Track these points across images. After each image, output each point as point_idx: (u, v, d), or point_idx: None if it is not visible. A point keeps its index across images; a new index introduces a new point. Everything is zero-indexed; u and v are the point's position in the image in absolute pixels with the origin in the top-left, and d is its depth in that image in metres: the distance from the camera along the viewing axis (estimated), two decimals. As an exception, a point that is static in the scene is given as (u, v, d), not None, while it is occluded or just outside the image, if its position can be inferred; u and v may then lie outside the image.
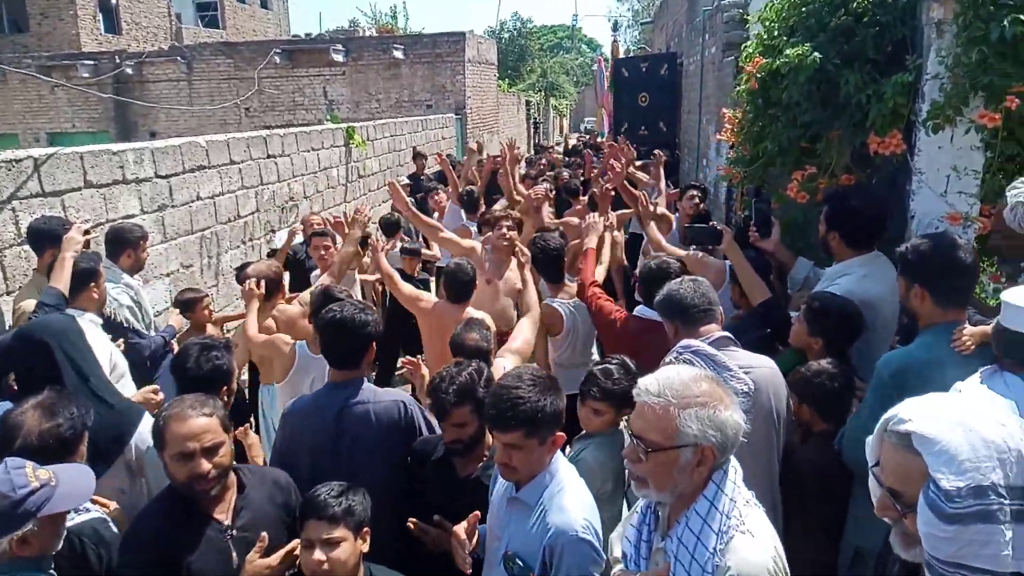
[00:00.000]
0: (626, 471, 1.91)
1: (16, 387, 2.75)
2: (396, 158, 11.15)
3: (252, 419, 3.72)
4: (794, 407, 2.58)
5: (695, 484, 1.57)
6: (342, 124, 9.20)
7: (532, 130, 28.78)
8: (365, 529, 2.07)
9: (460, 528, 2.11)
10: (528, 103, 28.31)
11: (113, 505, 2.41)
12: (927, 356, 2.25)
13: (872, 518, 1.42)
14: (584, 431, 2.67)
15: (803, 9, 3.28)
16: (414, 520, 2.36)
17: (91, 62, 17.12)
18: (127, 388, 3.21)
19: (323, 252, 4.70)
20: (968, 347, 2.21)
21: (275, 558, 2.05)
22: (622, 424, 2.56)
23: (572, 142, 21.86)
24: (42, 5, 21.90)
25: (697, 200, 5.26)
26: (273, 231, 6.79)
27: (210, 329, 4.33)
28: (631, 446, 1.61)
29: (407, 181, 9.30)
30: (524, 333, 3.49)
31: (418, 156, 10.68)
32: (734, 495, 1.58)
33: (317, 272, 4.72)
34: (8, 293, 3.84)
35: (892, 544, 1.30)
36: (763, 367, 2.45)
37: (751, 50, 3.65)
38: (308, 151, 7.82)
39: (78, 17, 21.82)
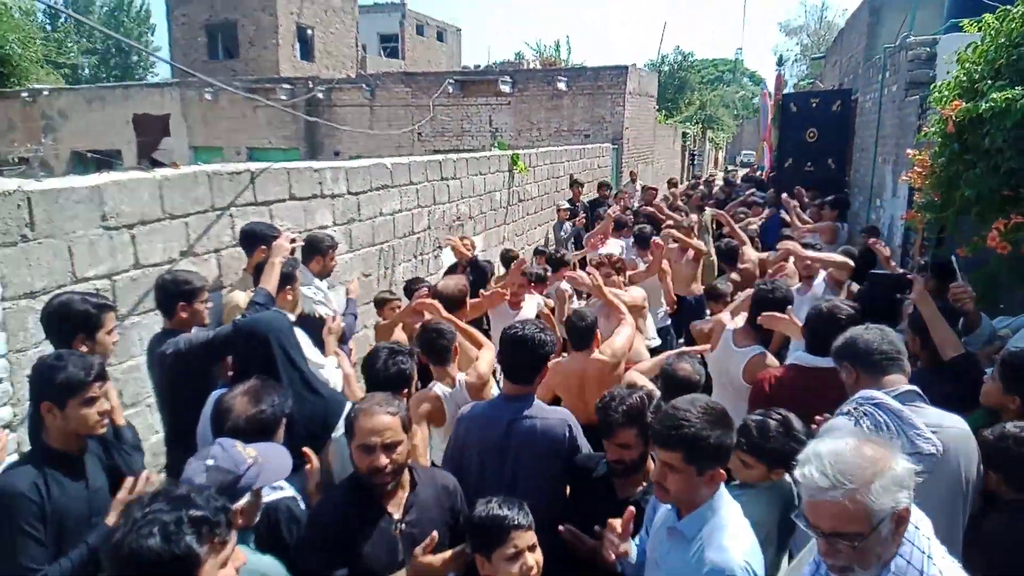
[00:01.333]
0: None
1: (233, 374, 3.16)
2: (554, 184, 11.44)
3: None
4: (983, 472, 2.40)
5: (896, 547, 1.53)
6: (508, 151, 9.61)
7: (688, 161, 28.32)
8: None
9: (616, 521, 2.15)
10: (684, 135, 27.93)
11: (316, 461, 2.68)
12: None
13: None
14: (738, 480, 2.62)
15: (1013, 51, 3.09)
16: (569, 526, 2.41)
17: (288, 86, 19.03)
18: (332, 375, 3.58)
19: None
20: None
21: (440, 558, 2.16)
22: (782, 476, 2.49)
23: (720, 176, 21.28)
24: (251, 34, 24.73)
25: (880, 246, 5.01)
26: (440, 247, 7.21)
27: (397, 332, 4.74)
28: (824, 544, 1.54)
29: (567, 206, 9.53)
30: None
31: (575, 184, 10.91)
32: (928, 549, 1.53)
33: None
34: (222, 288, 4.38)
35: None
36: (954, 427, 2.30)
37: (947, 92, 3.47)
38: (476, 175, 8.25)
39: (279, 45, 24.38)
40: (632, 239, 6.85)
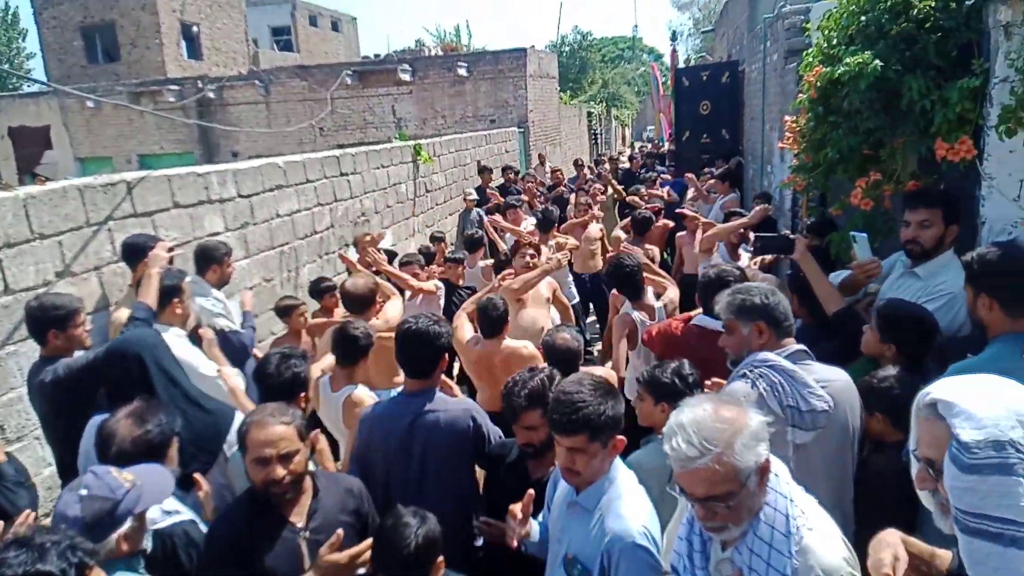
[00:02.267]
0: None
1: (109, 398, 3.01)
2: (461, 172, 11.39)
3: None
4: (865, 418, 2.52)
5: (762, 496, 1.60)
6: (410, 141, 9.49)
7: (593, 141, 28.76)
8: (436, 558, 2.11)
9: (516, 506, 2.18)
10: (590, 114, 28.31)
11: (206, 486, 2.60)
12: (995, 367, 2.16)
13: (936, 531, 1.43)
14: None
15: (863, 17, 3.26)
16: (485, 519, 2.45)
17: (176, 87, 18.15)
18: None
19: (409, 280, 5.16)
20: None
21: (346, 555, 2.14)
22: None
23: (627, 153, 21.78)
24: (131, 35, 23.39)
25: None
26: (346, 245, 7.06)
27: (304, 337, 4.63)
28: (699, 508, 1.59)
29: (474, 195, 9.51)
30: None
31: (484, 170, 10.90)
32: (789, 494, 1.61)
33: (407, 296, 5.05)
34: (108, 307, 4.15)
35: (935, 518, 1.36)
36: (838, 380, 2.42)
37: (810, 59, 3.64)
38: (378, 168, 8.11)
39: (163, 45, 23.18)
40: (536, 224, 6.90)
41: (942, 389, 1.31)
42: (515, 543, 2.17)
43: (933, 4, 3.01)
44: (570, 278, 6.50)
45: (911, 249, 2.96)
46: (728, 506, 1.55)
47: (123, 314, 3.80)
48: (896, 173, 3.28)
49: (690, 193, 8.94)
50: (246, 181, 5.51)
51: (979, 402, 1.25)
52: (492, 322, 3.84)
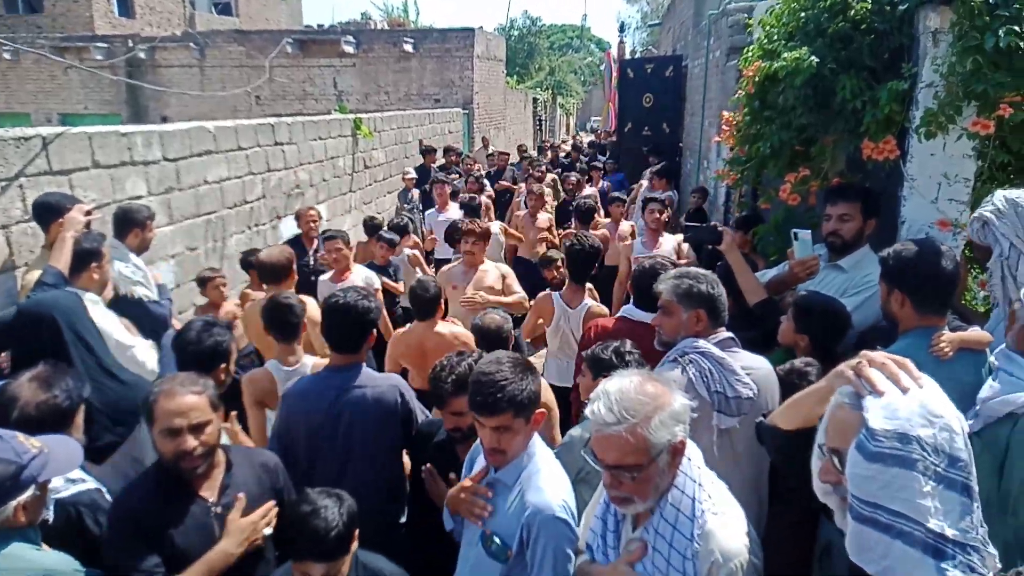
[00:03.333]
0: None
1: (10, 366, 2.83)
2: (403, 150, 11.22)
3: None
4: None
5: (671, 477, 1.62)
6: (350, 114, 9.27)
7: (537, 127, 28.80)
8: (354, 534, 2.08)
9: (467, 482, 2.14)
10: (535, 100, 28.33)
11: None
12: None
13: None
14: None
15: (802, 15, 3.33)
16: (430, 467, 2.45)
17: (104, 45, 17.24)
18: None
19: (336, 255, 4.81)
20: (946, 353, 2.23)
21: (256, 515, 2.12)
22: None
23: (571, 142, 21.89)
24: (57, -14, 22.03)
25: (657, 215, 5.30)
26: (279, 217, 6.86)
27: (225, 307, 4.45)
28: (608, 476, 1.61)
29: (413, 174, 9.37)
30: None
31: (427, 151, 10.75)
32: (699, 478, 1.63)
33: (328, 275, 4.83)
34: (15, 268, 3.91)
35: (835, 513, 1.38)
36: (761, 368, 2.48)
37: (750, 54, 3.70)
38: (315, 140, 7.89)
39: (92, 1, 21.92)
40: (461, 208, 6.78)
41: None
42: (481, 523, 2.10)
43: (869, 7, 3.10)
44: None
45: (832, 242, 3.06)
46: (633, 477, 1.56)
47: (34, 276, 3.57)
48: (824, 170, 3.38)
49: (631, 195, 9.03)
50: (172, 144, 5.26)
51: (899, 396, 1.28)
52: (424, 303, 3.77)
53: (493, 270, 4.71)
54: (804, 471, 1.44)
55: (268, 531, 2.16)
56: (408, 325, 3.96)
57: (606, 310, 4.14)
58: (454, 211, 6.92)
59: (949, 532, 1.20)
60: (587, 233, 4.51)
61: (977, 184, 2.97)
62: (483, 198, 7.64)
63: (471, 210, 6.41)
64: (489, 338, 3.14)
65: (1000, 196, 2.41)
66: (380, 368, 3.84)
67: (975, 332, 2.35)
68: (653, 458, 1.56)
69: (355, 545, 2.08)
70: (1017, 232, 2.34)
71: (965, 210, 2.99)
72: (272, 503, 2.16)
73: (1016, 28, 2.65)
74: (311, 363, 3.24)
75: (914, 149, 3.03)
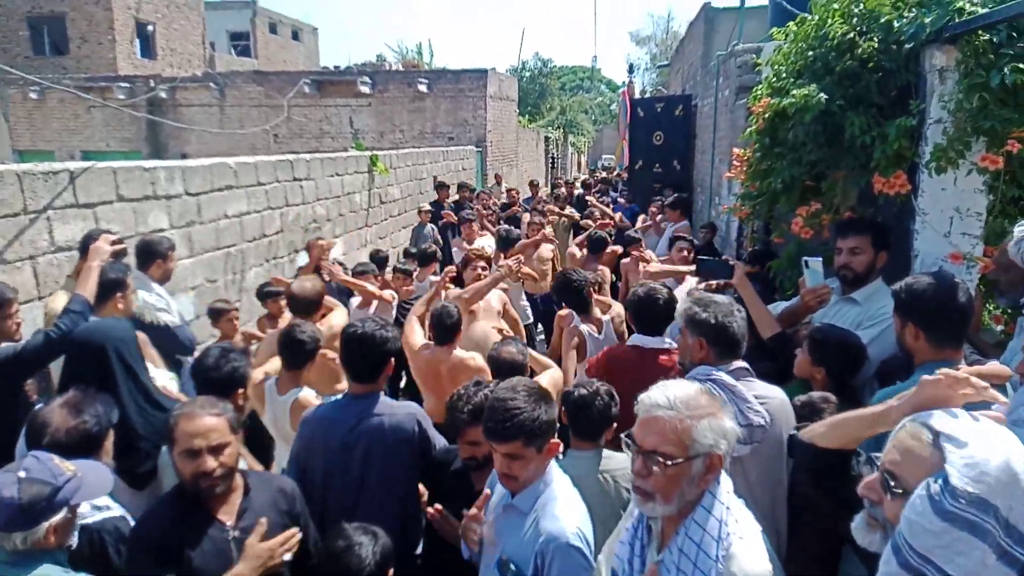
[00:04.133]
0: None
1: (61, 387, 2.89)
2: (418, 186, 11.39)
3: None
4: None
5: (699, 493, 1.62)
6: (366, 151, 9.45)
7: (549, 165, 29.14)
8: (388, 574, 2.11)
9: (473, 510, 2.16)
10: (547, 139, 28.71)
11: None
12: None
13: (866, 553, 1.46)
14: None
15: (810, 53, 3.41)
16: (439, 507, 2.43)
17: (127, 84, 17.71)
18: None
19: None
20: None
21: (276, 542, 2.12)
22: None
23: (581, 179, 22.11)
24: (82, 29, 22.73)
25: (685, 253, 5.39)
26: (296, 251, 6.97)
27: (237, 339, 4.52)
28: (641, 461, 1.63)
29: (428, 208, 9.50)
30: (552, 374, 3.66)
31: (441, 186, 10.91)
32: (728, 502, 1.63)
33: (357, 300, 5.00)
34: (40, 298, 4.00)
35: (855, 528, 1.35)
36: (776, 398, 2.49)
37: (759, 92, 3.78)
38: (332, 176, 8.04)
39: (116, 42, 22.60)
40: (495, 240, 6.91)
41: (953, 424, 1.26)
42: (477, 546, 2.14)
43: (876, 45, 3.17)
44: (524, 298, 6.53)
45: (844, 275, 3.08)
46: (665, 468, 1.57)
47: (58, 304, 3.66)
48: (836, 204, 3.43)
49: (640, 221, 9.13)
50: (194, 179, 5.40)
51: (989, 454, 1.18)
52: (445, 329, 3.82)
53: (494, 295, 4.86)
54: (830, 494, 1.42)
55: (288, 557, 2.16)
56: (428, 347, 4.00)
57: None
58: (486, 240, 7.06)
59: None
60: (576, 269, 4.61)
61: (989, 218, 3.00)
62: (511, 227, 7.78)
63: (507, 242, 6.52)
64: (503, 370, 3.15)
65: None
66: (395, 395, 3.87)
67: (993, 366, 2.34)
68: (689, 457, 1.58)
69: None
70: None
71: (978, 243, 3.01)
72: (296, 530, 2.16)
73: (1021, 66, 2.71)
74: (301, 396, 3.26)
75: (925, 184, 3.06)
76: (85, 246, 3.76)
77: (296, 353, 3.28)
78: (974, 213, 3.02)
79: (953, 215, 3.06)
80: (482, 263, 4.99)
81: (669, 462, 1.58)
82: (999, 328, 3.45)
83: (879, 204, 3.33)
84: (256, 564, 2.10)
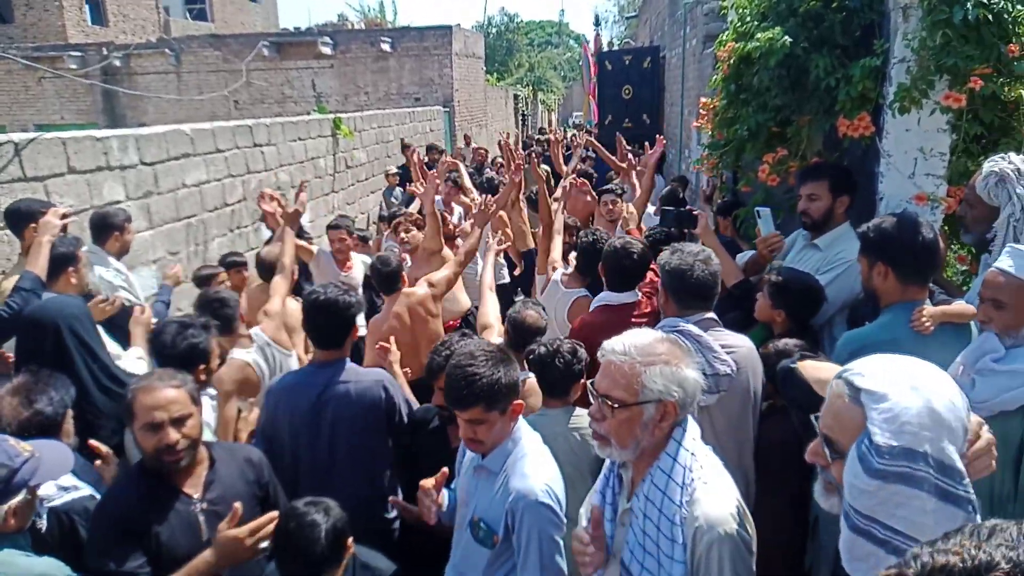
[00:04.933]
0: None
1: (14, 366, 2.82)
2: (384, 149, 11.17)
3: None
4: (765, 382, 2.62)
5: (656, 441, 1.62)
6: (330, 115, 9.22)
7: (520, 123, 28.82)
8: (346, 543, 2.06)
9: (428, 481, 2.15)
10: (516, 97, 28.33)
11: (105, 449, 2.46)
12: (886, 336, 2.23)
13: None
14: None
15: (774, -5, 3.35)
16: (395, 499, 2.44)
17: (78, 53, 17.03)
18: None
19: (338, 244, 4.99)
20: (927, 328, 2.23)
21: (246, 529, 2.04)
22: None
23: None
24: (27, -4, 21.74)
25: (611, 206, 5.27)
26: (260, 220, 6.81)
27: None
28: (596, 405, 1.65)
29: (395, 170, 9.34)
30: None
31: (407, 148, 10.70)
32: (694, 449, 1.63)
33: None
34: (-10, 276, 3.85)
35: (816, 494, 1.33)
36: (743, 347, 2.50)
37: (724, 37, 3.72)
38: (295, 141, 7.84)
39: (63, 8, 21.64)
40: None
41: (870, 374, 1.22)
42: (432, 519, 2.14)
43: (839, -16, 3.11)
44: (502, 257, 6.43)
45: (804, 221, 3.11)
46: (613, 409, 1.59)
47: (10, 284, 3.54)
48: (802, 150, 3.40)
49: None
50: (149, 148, 5.21)
51: (905, 402, 1.15)
52: (386, 277, 3.78)
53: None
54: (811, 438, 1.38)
55: (264, 545, 2.07)
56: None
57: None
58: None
59: None
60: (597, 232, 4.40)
61: (952, 158, 2.99)
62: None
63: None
64: (525, 335, 2.98)
65: (1018, 157, 2.40)
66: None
67: (958, 305, 2.35)
68: (639, 403, 1.58)
69: (349, 551, 2.05)
70: None
71: (942, 183, 3.01)
72: (273, 514, 2.08)
73: (984, 1, 2.67)
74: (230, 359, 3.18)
75: (889, 125, 3.04)
76: (12, 221, 3.61)
77: (222, 317, 3.17)
78: (938, 153, 3.01)
79: (917, 156, 3.05)
80: (405, 226, 4.87)
81: (616, 405, 1.59)
82: (963, 268, 3.48)
83: (844, 148, 3.30)
84: (225, 551, 2.01)
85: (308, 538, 1.94)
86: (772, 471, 2.53)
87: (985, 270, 2.53)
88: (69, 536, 2.13)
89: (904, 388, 1.17)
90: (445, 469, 2.20)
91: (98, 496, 2.29)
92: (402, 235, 4.79)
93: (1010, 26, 2.74)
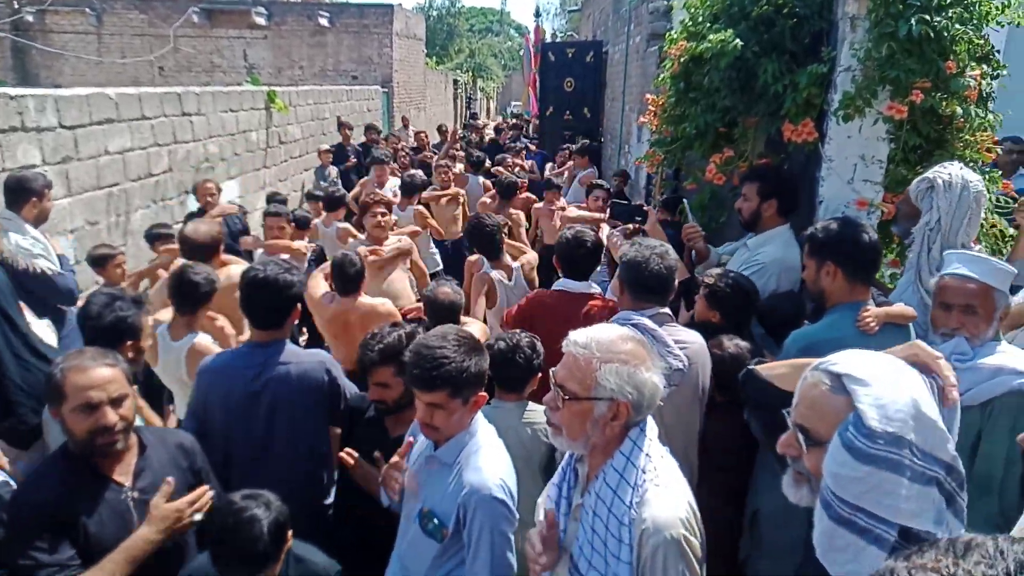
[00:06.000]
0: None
1: None
2: (320, 126, 10.86)
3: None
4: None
5: (608, 438, 1.60)
6: (263, 87, 8.87)
7: (464, 108, 28.57)
8: (286, 537, 2.00)
9: (395, 458, 2.08)
10: (456, 82, 28.06)
11: (5, 461, 2.29)
12: (833, 335, 2.28)
13: (770, 484, 1.47)
14: None
15: (726, -2, 3.39)
16: (349, 451, 2.34)
17: (-15, 5, 15.81)
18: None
19: (277, 233, 4.89)
20: (872, 328, 2.31)
21: (184, 502, 1.98)
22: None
23: (492, 125, 21.82)
24: (-72, -61, 20.02)
25: (601, 203, 5.47)
26: (187, 192, 6.49)
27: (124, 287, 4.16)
28: (552, 392, 1.64)
29: (327, 147, 9.08)
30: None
31: (343, 126, 10.44)
32: (649, 450, 1.62)
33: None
34: None
35: (784, 486, 1.35)
36: (695, 343, 2.53)
37: (675, 35, 3.75)
38: (226, 112, 7.51)
39: (-30, -45, 20.06)
40: (399, 186, 6.65)
41: (853, 364, 1.25)
42: (397, 496, 2.07)
43: (791, -9, 3.18)
44: (432, 246, 6.37)
45: (739, 220, 3.25)
46: (565, 400, 1.59)
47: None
48: (747, 151, 3.47)
49: (548, 169, 9.10)
50: (69, 110, 4.88)
51: (892, 392, 1.19)
52: (349, 279, 3.69)
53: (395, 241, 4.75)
54: (776, 433, 1.37)
55: (198, 517, 2.01)
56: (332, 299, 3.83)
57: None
58: (390, 188, 6.76)
59: (932, 528, 1.16)
60: (488, 214, 4.48)
61: (891, 166, 3.10)
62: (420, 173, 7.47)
63: (411, 188, 6.25)
64: (440, 312, 3.08)
65: (958, 171, 2.51)
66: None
67: (900, 307, 2.45)
68: (590, 397, 1.57)
69: (287, 545, 1.98)
70: (951, 211, 2.46)
71: (880, 190, 3.12)
72: (206, 487, 2.02)
73: (927, 17, 2.78)
74: (197, 342, 3.06)
75: (832, 131, 3.13)
76: None
77: (189, 296, 3.05)
78: (877, 161, 3.12)
79: (857, 162, 3.15)
80: (382, 209, 4.70)
81: (567, 397, 1.59)
82: (890, 272, 3.64)
83: (789, 152, 3.39)
84: (163, 526, 1.94)
85: (248, 535, 1.86)
86: (711, 464, 2.58)
87: (907, 272, 2.66)
88: None
89: (889, 378, 1.22)
90: (411, 438, 2.11)
91: (12, 481, 2.13)
92: (378, 219, 4.60)
93: (948, 43, 2.86)
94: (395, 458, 2.08)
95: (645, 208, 3.55)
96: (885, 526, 1.15)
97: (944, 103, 2.86)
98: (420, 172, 6.96)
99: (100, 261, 4.20)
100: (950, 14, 2.84)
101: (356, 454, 2.35)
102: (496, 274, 4.06)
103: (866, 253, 2.40)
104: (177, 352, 3.06)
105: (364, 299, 3.74)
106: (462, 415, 1.96)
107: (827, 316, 2.44)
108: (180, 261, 3.97)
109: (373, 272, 4.38)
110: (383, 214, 4.64)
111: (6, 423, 2.86)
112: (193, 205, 6.31)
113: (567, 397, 1.58)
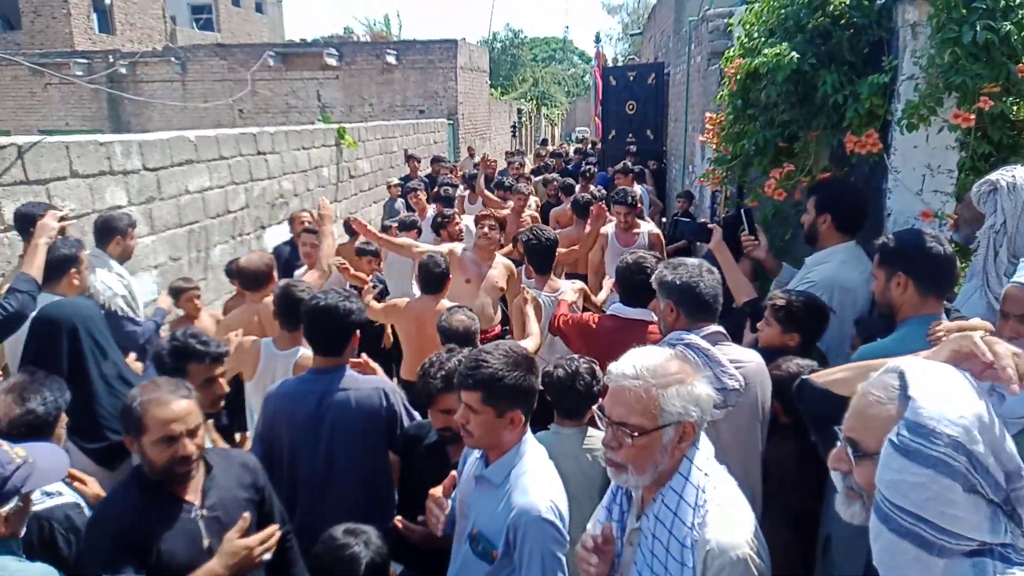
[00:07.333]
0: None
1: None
2: (388, 160, 11.19)
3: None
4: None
5: (674, 462, 1.57)
6: (333, 125, 9.24)
7: (530, 137, 28.77)
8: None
9: (437, 489, 2.11)
10: (519, 111, 28.42)
11: (91, 481, 2.42)
12: (903, 350, 2.12)
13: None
14: None
15: (781, 11, 3.35)
16: (400, 519, 2.35)
17: (84, 60, 17.15)
18: None
19: (310, 249, 4.82)
20: None
21: (256, 539, 2.03)
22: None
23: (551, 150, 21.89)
24: (35, 3, 21.87)
25: (623, 218, 5.23)
26: (263, 227, 6.81)
27: (202, 320, 4.37)
28: (610, 433, 1.58)
29: (397, 182, 9.33)
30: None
31: (411, 159, 10.73)
32: (707, 468, 1.59)
33: (303, 269, 4.75)
34: (-7, 279, 3.83)
35: (837, 504, 1.30)
36: (752, 362, 2.46)
37: (732, 53, 3.72)
38: (299, 150, 7.85)
39: (71, 16, 21.78)
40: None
41: (917, 368, 1.20)
42: (440, 531, 2.09)
43: (847, 1, 3.11)
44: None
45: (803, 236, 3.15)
46: (632, 437, 1.52)
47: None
48: (809, 166, 3.39)
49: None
50: (153, 153, 5.21)
51: (958, 398, 1.14)
52: (434, 279, 3.80)
53: (501, 266, 4.61)
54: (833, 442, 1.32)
55: (267, 557, 2.06)
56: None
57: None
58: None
59: (989, 539, 1.10)
60: (543, 227, 4.39)
61: (960, 175, 2.98)
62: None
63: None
64: (454, 339, 3.03)
65: (1023, 172, 2.39)
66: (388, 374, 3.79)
67: (976, 321, 2.32)
68: (659, 427, 1.52)
69: None
70: (1016, 213, 2.33)
71: (950, 200, 2.99)
72: (275, 527, 2.07)
73: (991, 23, 2.67)
74: (304, 354, 3.16)
75: (897, 142, 3.03)
76: (21, 224, 3.60)
77: (294, 312, 3.12)
78: (945, 170, 3.00)
79: (925, 172, 3.04)
80: (491, 222, 4.62)
81: (636, 433, 1.52)
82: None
83: (852, 164, 3.29)
84: (231, 561, 1.99)
85: (347, 573, 1.89)
86: (776, 488, 2.49)
87: (972, 279, 2.52)
88: (47, 543, 2.07)
89: (951, 383, 1.18)
90: (453, 473, 2.14)
91: (82, 503, 2.25)
92: (486, 231, 4.57)
93: (1019, 46, 2.73)
94: (436, 491, 2.09)
95: (710, 226, 3.49)
96: (951, 539, 1.09)
97: (1016, 107, 2.73)
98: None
99: (174, 293, 4.41)
100: (1020, 16, 2.72)
101: (405, 521, 2.34)
102: (543, 295, 3.96)
103: (939, 264, 2.28)
104: (285, 361, 3.19)
105: (445, 303, 3.81)
106: (497, 429, 1.94)
107: (897, 330, 2.33)
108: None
109: (473, 290, 4.42)
110: (491, 227, 4.61)
111: (96, 445, 3.05)
112: (270, 240, 6.60)
113: (635, 434, 1.52)
